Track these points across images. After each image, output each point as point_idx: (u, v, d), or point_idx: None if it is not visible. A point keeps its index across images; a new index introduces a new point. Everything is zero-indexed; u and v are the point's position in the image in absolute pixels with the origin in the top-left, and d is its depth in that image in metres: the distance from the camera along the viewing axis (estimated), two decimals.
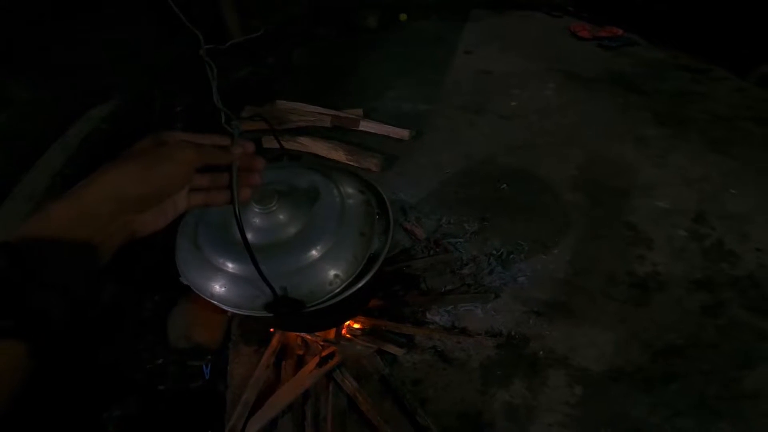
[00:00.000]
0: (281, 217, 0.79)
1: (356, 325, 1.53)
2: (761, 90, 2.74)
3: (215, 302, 0.80)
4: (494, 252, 1.80)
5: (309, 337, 1.47)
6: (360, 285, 0.83)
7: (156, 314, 1.58)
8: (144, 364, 1.49)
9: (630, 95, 2.73)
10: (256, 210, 0.77)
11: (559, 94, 2.77)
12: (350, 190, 0.90)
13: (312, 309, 0.80)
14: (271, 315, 0.78)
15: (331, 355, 1.43)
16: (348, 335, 1.48)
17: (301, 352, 1.47)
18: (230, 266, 0.78)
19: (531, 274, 1.73)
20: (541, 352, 1.51)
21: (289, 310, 0.78)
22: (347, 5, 3.87)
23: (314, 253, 0.79)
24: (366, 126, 2.38)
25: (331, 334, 1.42)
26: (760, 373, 1.45)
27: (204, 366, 1.49)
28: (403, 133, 2.35)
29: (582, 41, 3.41)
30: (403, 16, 3.96)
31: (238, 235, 0.60)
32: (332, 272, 0.80)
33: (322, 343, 1.46)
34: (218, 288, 0.78)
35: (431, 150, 2.34)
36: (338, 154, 2.16)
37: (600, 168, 2.22)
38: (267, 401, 1.34)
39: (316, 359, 1.41)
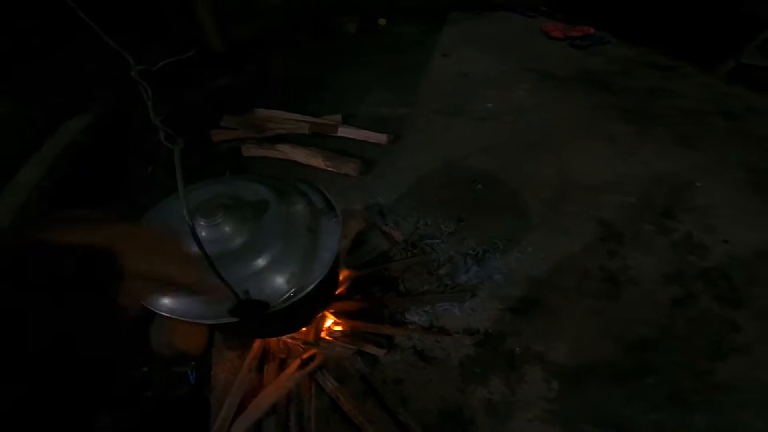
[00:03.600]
0: (227, 228, 0.83)
1: (337, 327, 1.56)
2: (727, 85, 2.84)
3: (177, 317, 0.83)
4: (470, 251, 1.84)
5: (290, 340, 1.50)
6: (320, 279, 0.88)
7: (138, 323, 1.59)
8: (129, 372, 1.51)
9: (600, 93, 2.81)
10: (202, 223, 0.81)
11: (533, 95, 2.84)
12: (294, 196, 0.95)
13: (279, 307, 0.84)
14: (237, 320, 0.81)
15: (312, 357, 1.46)
16: (328, 337, 1.51)
17: (283, 356, 1.50)
18: None
19: (506, 272, 1.77)
20: (517, 349, 1.54)
21: (255, 312, 0.81)
22: (326, 12, 3.91)
23: (265, 257, 0.83)
24: (344, 132, 2.42)
25: (311, 336, 1.45)
26: (732, 365, 1.48)
27: (189, 372, 1.51)
28: (381, 138, 2.39)
29: (555, 41, 3.49)
30: (382, 21, 4.01)
31: (188, 247, 0.65)
32: (288, 271, 0.84)
33: (302, 346, 1.49)
34: (176, 302, 0.82)
35: (409, 153, 2.38)
36: (316, 161, 2.20)
37: (571, 165, 2.28)
38: (250, 404, 1.36)
39: (297, 362, 1.45)
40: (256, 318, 0.84)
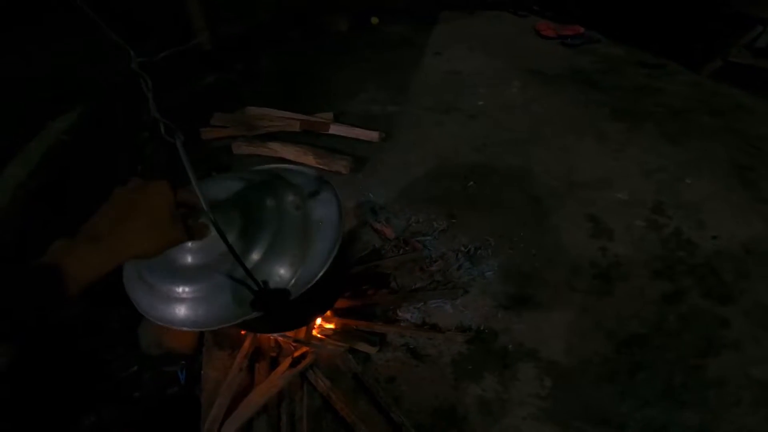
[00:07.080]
0: (214, 234, 0.81)
1: (328, 325, 1.55)
2: (714, 84, 2.87)
3: (198, 329, 0.81)
4: (462, 248, 1.84)
5: (281, 338, 1.48)
6: (334, 254, 0.87)
7: (125, 325, 1.57)
8: (117, 373, 1.48)
9: (590, 91, 2.83)
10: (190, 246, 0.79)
11: (523, 92, 2.85)
12: (280, 186, 0.93)
13: (299, 292, 0.83)
14: (262, 313, 0.79)
15: (303, 356, 1.45)
16: (319, 335, 1.50)
17: (274, 354, 1.49)
18: (190, 290, 0.79)
19: (498, 269, 1.77)
20: (510, 346, 1.53)
21: (278, 301, 0.80)
22: (318, 9, 3.88)
23: (259, 249, 0.81)
24: (335, 129, 2.41)
25: (302, 334, 1.44)
26: (723, 361, 1.48)
27: (179, 371, 1.49)
28: (373, 135, 2.38)
29: (546, 40, 3.51)
30: (374, 20, 4.00)
31: (182, 261, 0.66)
32: (286, 260, 0.83)
33: (294, 345, 1.47)
34: (193, 313, 0.80)
35: (400, 151, 2.38)
36: (307, 158, 2.19)
37: (562, 162, 2.29)
38: (241, 403, 1.35)
39: (289, 360, 1.43)
40: (280, 308, 0.82)
